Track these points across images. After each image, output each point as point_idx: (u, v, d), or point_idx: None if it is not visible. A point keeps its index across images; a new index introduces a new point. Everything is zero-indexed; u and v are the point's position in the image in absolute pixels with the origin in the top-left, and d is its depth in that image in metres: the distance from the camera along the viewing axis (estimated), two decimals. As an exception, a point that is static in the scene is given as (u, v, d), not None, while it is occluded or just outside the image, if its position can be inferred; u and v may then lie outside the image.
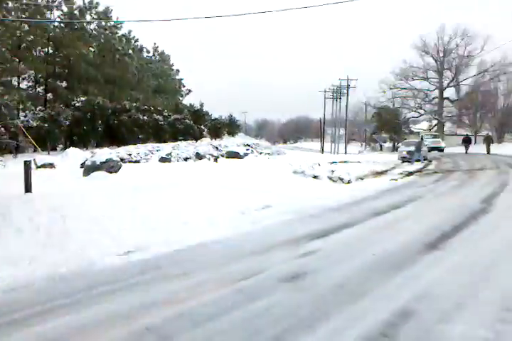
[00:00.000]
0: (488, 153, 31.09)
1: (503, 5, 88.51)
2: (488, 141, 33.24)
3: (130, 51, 33.10)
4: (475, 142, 41.11)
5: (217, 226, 7.56)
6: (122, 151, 18.76)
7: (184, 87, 38.65)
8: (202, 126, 29.87)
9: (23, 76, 31.03)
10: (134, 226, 7.20)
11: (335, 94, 50.70)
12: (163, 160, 18.61)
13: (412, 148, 23.64)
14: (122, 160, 16.49)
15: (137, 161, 18.32)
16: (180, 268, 5.24)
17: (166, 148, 20.87)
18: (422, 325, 3.52)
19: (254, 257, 5.63)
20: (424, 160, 23.84)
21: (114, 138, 24.28)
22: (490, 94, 44.53)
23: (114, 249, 6.00)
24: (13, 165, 13.28)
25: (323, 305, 3.94)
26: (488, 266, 5.05)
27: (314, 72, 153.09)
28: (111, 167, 13.86)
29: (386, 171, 18.61)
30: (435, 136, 40.95)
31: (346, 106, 49.41)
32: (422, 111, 52.32)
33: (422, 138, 29.36)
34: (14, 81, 29.79)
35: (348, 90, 48.20)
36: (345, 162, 21.00)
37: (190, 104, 33.16)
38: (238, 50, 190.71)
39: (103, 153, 15.14)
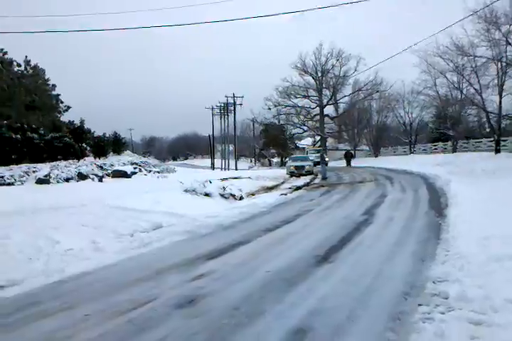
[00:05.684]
0: (349, 165, 36.29)
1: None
2: (349, 156, 38.46)
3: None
4: (354, 156, 44.33)
5: (103, 251, 7.07)
6: (-8, 173, 16.96)
7: (62, 103, 36.23)
8: (84, 145, 28.25)
9: None
10: (8, 257, 6.49)
11: (222, 111, 51.52)
12: (41, 181, 17.14)
13: (304, 163, 25.21)
14: (-7, 183, 14.90)
15: (11, 184, 16.67)
16: (63, 301, 4.78)
17: (44, 168, 19.31)
18: (318, 340, 3.52)
19: (145, 283, 5.28)
20: (311, 174, 24.95)
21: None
22: (365, 111, 48.28)
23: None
24: None
25: (220, 330, 3.77)
26: (375, 274, 5.25)
27: (202, 88, 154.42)
28: (-22, 191, 12.43)
29: (276, 186, 19.11)
30: (318, 151, 43.19)
31: (234, 122, 50.48)
32: (305, 128, 54.95)
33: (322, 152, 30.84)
34: None
35: (234, 107, 49.32)
36: (236, 178, 21.17)
37: (70, 121, 31.17)
38: (121, 66, 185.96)
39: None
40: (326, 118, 53.08)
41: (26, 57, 34.42)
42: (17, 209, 10.52)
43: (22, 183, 17.32)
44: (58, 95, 36.25)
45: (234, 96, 48.93)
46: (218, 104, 51.68)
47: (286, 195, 15.29)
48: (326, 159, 31.27)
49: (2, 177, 17.08)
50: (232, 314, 4.14)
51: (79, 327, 3.96)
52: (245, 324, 3.88)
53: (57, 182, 18.19)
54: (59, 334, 3.84)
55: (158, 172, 27.56)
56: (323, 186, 18.29)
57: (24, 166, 19.91)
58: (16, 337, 3.82)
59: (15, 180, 17.37)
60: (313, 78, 51.76)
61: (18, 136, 23.26)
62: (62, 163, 22.57)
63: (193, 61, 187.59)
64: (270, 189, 17.99)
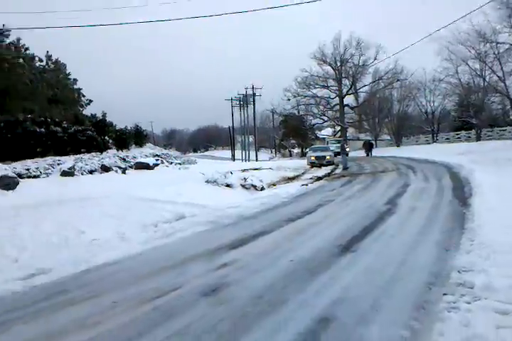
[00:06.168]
0: (368, 155, 35.59)
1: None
2: (368, 145, 37.47)
3: (21, 60, 30.77)
4: (376, 146, 43.83)
5: (129, 241, 7.20)
6: (19, 166, 17.28)
7: (84, 96, 36.56)
8: (106, 137, 28.54)
9: None
10: (37, 247, 6.68)
11: (242, 103, 51.50)
12: (65, 173, 17.43)
13: (325, 153, 25.16)
14: (20, 176, 15.20)
15: (37, 176, 17.00)
16: (90, 290, 4.90)
17: (68, 161, 19.63)
18: (342, 329, 3.53)
19: (170, 272, 5.38)
20: (332, 164, 24.85)
21: (8, 153, 22.32)
22: (386, 101, 47.62)
23: (14, 273, 5.51)
24: None
25: (244, 318, 3.82)
26: (399, 264, 5.22)
27: (223, 81, 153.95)
28: (6, 184, 12.74)
29: (297, 176, 19.10)
30: (339, 141, 42.87)
31: (254, 114, 50.39)
32: (325, 118, 54.37)
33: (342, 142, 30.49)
34: None
35: (254, 98, 49.18)
36: (256, 169, 21.20)
37: (92, 115, 31.47)
38: (142, 59, 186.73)
39: (-4, 170, 13.88)
40: (346, 108, 52.45)
41: (48, 52, 34.78)
42: (43, 200, 10.75)
43: (47, 176, 17.63)
44: (80, 89, 36.59)
45: (253, 88, 48.86)
46: (237, 96, 51.68)
47: (307, 185, 15.25)
48: (347, 149, 31.07)
49: (28, 169, 17.42)
50: (256, 302, 4.19)
51: (107, 314, 4.06)
52: (269, 312, 3.92)
53: (82, 174, 18.48)
54: (88, 320, 3.94)
55: (180, 163, 27.75)
56: (344, 176, 18.18)
57: (49, 159, 20.25)
58: (46, 324, 3.92)
59: (40, 172, 17.70)
60: (332, 68, 51.10)
61: (42, 130, 23.60)
62: (86, 155, 22.88)
63: (213, 53, 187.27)
64: (291, 179, 17.99)
